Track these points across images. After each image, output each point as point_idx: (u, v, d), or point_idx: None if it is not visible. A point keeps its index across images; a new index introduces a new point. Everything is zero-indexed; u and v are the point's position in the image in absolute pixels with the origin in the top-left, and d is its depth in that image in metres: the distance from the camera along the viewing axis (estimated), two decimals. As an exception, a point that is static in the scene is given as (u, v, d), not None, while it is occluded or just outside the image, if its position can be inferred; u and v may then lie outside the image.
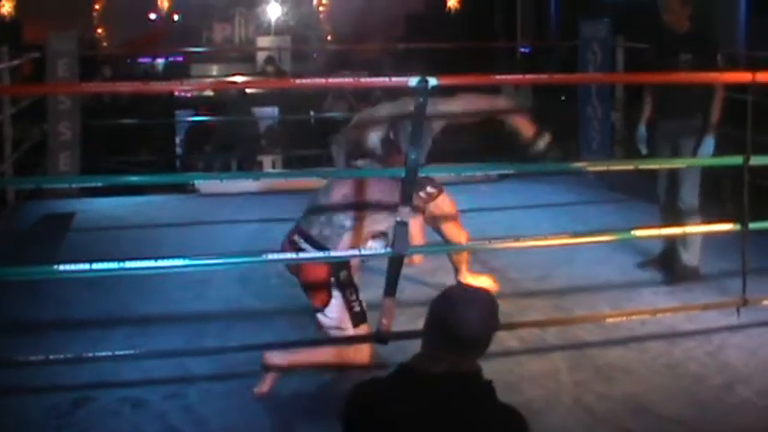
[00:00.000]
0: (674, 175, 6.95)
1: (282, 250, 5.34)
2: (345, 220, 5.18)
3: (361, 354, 5.17)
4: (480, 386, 2.88)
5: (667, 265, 7.20)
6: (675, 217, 6.98)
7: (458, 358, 2.86)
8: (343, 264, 5.11)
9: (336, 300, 5.17)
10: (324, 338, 5.33)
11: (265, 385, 5.18)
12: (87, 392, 5.19)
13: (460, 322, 2.86)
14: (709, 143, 6.68)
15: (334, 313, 5.18)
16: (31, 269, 5.15)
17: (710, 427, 5.02)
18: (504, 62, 14.52)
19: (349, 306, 5.15)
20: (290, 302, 6.62)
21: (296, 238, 5.34)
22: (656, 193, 7.26)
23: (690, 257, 7.04)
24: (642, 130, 7.27)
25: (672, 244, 7.13)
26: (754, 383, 5.45)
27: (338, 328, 5.18)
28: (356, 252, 5.05)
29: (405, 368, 2.91)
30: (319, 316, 5.24)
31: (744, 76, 5.46)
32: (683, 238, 6.98)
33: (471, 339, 2.88)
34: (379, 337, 5.03)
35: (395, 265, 4.94)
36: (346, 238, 5.17)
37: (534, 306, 6.52)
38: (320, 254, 5.08)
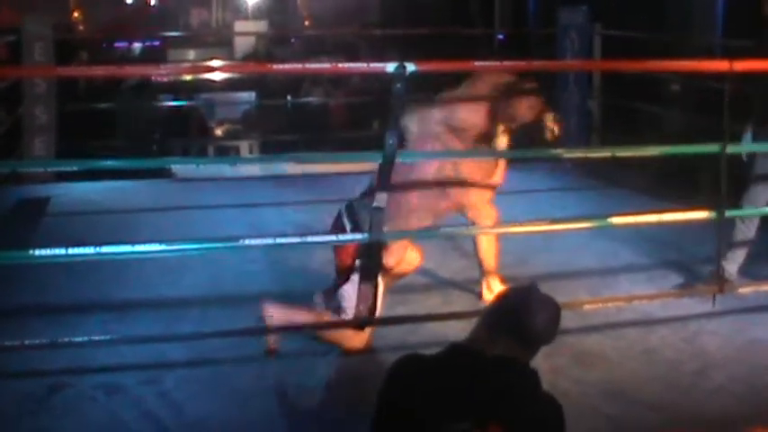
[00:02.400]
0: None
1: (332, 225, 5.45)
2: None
3: (357, 338, 5.19)
4: (526, 374, 2.95)
5: None
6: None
7: (513, 348, 2.93)
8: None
9: (351, 285, 5.20)
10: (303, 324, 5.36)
11: (272, 343, 5.27)
12: (63, 378, 5.15)
13: (530, 316, 2.96)
14: None
15: (344, 295, 5.25)
16: (6, 254, 5.12)
17: (686, 412, 5.03)
18: (482, 48, 14.51)
19: (360, 298, 5.16)
20: (268, 288, 6.64)
21: (343, 213, 5.46)
22: (637, 180, 7.22)
23: (730, 267, 6.58)
24: (748, 137, 6.66)
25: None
26: (729, 369, 5.48)
27: (340, 309, 5.21)
28: (332, 237, 5.05)
29: (457, 347, 2.98)
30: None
31: (721, 65, 5.48)
32: (728, 248, 6.57)
33: (533, 336, 2.99)
34: (356, 323, 5.03)
35: (372, 251, 4.95)
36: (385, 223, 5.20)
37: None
38: (297, 239, 5.08)
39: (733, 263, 6.53)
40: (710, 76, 6.80)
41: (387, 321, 5.27)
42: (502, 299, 3.11)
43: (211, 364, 5.37)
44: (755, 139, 6.52)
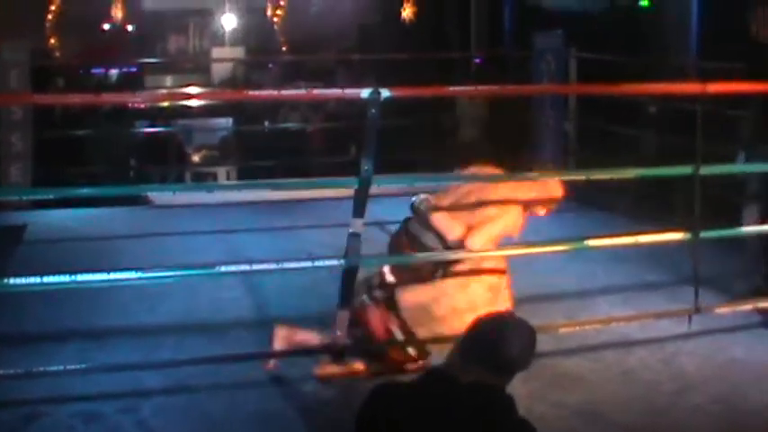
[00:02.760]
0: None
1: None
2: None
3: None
4: (501, 400, 2.97)
5: None
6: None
7: (487, 375, 2.93)
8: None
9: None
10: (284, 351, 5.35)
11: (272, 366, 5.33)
12: (39, 407, 5.11)
13: (504, 344, 2.96)
14: None
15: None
16: (-19, 283, 5.09)
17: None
18: (459, 73, 14.57)
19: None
20: (244, 314, 6.63)
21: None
22: (614, 202, 7.23)
23: None
24: (742, 157, 6.83)
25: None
26: (707, 390, 5.50)
27: None
28: (308, 263, 5.05)
29: (432, 373, 2.98)
30: None
31: (694, 87, 5.52)
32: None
33: (507, 362, 3.01)
34: (334, 350, 5.02)
35: (347, 276, 4.95)
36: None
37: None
38: (274, 265, 5.07)
39: None
40: (688, 99, 6.81)
41: (365, 346, 5.25)
42: (475, 327, 3.10)
43: (187, 391, 5.34)
44: (749, 161, 6.59)
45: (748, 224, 6.57)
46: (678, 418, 5.19)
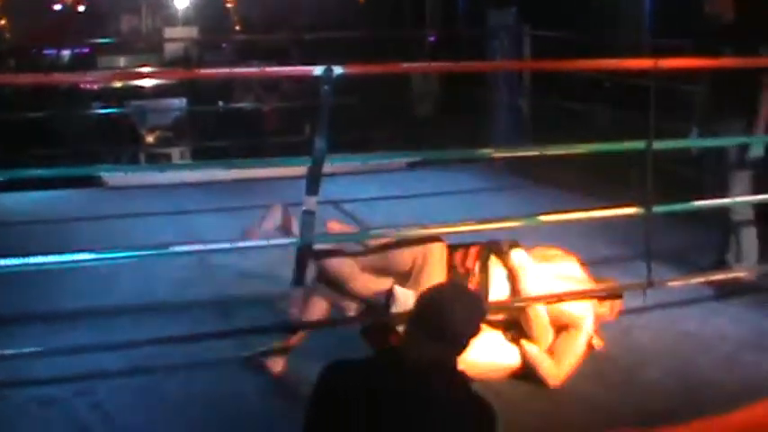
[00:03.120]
0: (722, 181, 6.77)
1: None
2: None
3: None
4: (455, 376, 2.97)
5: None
6: (726, 229, 6.93)
7: (438, 349, 2.93)
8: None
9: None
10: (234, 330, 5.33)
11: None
12: (-6, 392, 5.09)
13: (445, 314, 2.95)
14: (757, 145, 6.60)
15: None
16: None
17: (620, 407, 5.09)
18: (413, 51, 14.56)
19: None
20: (200, 295, 6.61)
21: None
22: (568, 178, 7.25)
23: (743, 267, 6.81)
24: (694, 133, 6.98)
25: (722, 257, 6.96)
26: (662, 364, 5.56)
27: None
28: (263, 242, 5.02)
29: (384, 352, 2.97)
30: None
31: (646, 63, 5.54)
32: (736, 248, 6.83)
33: (453, 334, 2.98)
34: (287, 327, 5.01)
35: (301, 255, 4.93)
36: None
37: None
38: (227, 245, 5.04)
39: (746, 255, 6.76)
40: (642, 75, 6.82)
41: (316, 325, 5.24)
42: (419, 300, 3.10)
43: (144, 372, 5.32)
44: (702, 136, 6.65)
45: (735, 195, 6.65)
46: (634, 392, 5.23)
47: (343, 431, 2.86)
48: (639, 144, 5.54)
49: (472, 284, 5.21)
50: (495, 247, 5.42)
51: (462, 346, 3.03)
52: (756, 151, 6.60)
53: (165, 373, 5.28)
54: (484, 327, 5.24)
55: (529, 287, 5.29)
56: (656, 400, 5.15)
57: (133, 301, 6.52)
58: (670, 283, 6.06)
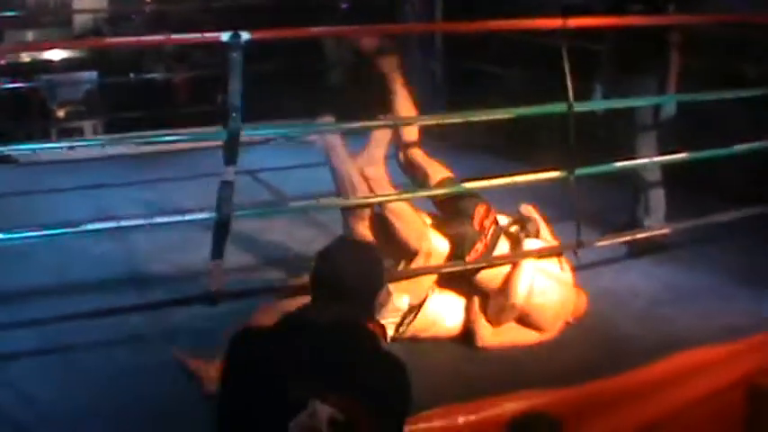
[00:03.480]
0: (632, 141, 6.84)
1: None
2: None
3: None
4: (363, 334, 2.92)
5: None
6: (637, 189, 7.03)
7: (338, 309, 2.88)
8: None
9: None
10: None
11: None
12: None
13: (339, 273, 2.91)
14: (669, 105, 6.65)
15: None
16: None
17: (540, 365, 5.18)
18: (325, 18, 14.48)
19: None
20: (117, 271, 6.55)
21: None
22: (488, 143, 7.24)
23: (654, 225, 6.90)
24: (597, 94, 7.01)
25: (634, 215, 7.03)
26: (581, 322, 5.67)
27: None
28: (178, 217, 4.98)
29: (289, 316, 2.93)
30: None
31: (555, 23, 5.57)
32: (646, 206, 6.92)
33: (348, 288, 2.93)
34: (209, 298, 4.99)
35: (219, 228, 4.91)
36: None
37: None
38: (142, 221, 5.00)
39: (656, 212, 6.87)
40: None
41: (237, 295, 5.23)
42: (316, 260, 3.06)
43: (60, 350, 5.27)
44: (607, 96, 6.68)
45: (644, 155, 6.72)
46: (549, 351, 5.32)
47: (252, 400, 2.84)
48: (561, 107, 5.57)
49: (480, 244, 5.30)
50: (515, 226, 5.59)
51: (365, 303, 2.99)
52: (669, 111, 6.68)
53: (82, 349, 5.24)
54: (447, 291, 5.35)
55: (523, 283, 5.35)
56: (571, 358, 5.22)
57: (48, 279, 6.43)
58: (598, 243, 6.13)
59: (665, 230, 6.79)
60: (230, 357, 2.96)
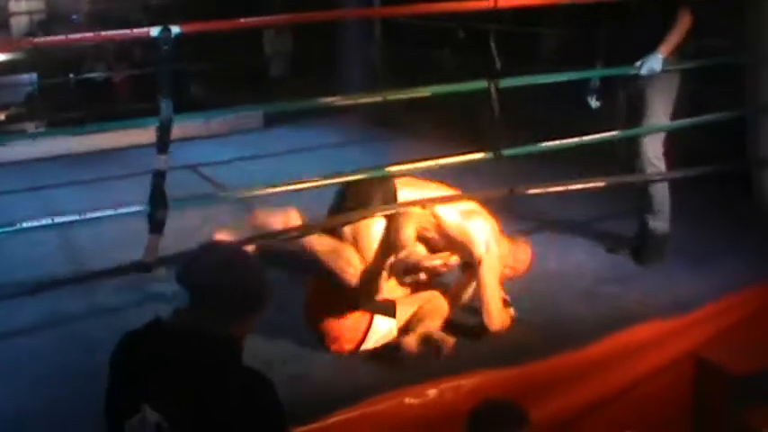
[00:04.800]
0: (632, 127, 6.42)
1: None
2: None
3: None
4: (218, 346, 2.76)
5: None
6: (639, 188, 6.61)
7: (207, 315, 2.77)
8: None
9: None
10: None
11: None
12: None
13: (188, 270, 2.80)
14: (654, 59, 6.07)
15: None
16: None
17: (479, 347, 5.20)
18: (264, 10, 14.44)
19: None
20: (59, 268, 6.48)
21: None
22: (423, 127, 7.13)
23: (658, 224, 6.54)
24: (596, 80, 6.57)
25: (643, 220, 6.64)
26: (524, 302, 5.65)
27: None
28: (110, 211, 4.92)
29: (154, 320, 2.86)
30: None
31: (485, 4, 5.58)
32: (649, 204, 6.50)
33: (200, 289, 2.80)
34: (143, 266, 4.95)
35: (154, 219, 4.87)
36: None
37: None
38: (76, 216, 4.94)
39: (660, 212, 6.51)
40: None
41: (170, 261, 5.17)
42: (182, 269, 2.92)
43: (2, 351, 5.22)
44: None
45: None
46: (501, 331, 5.28)
47: (123, 401, 2.80)
48: (482, 84, 5.56)
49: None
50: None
51: (231, 312, 2.81)
52: (650, 67, 6.10)
53: (26, 351, 5.20)
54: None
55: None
56: (516, 338, 5.22)
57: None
58: (529, 191, 6.01)
59: (665, 230, 6.54)
60: (112, 355, 2.92)
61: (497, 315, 5.23)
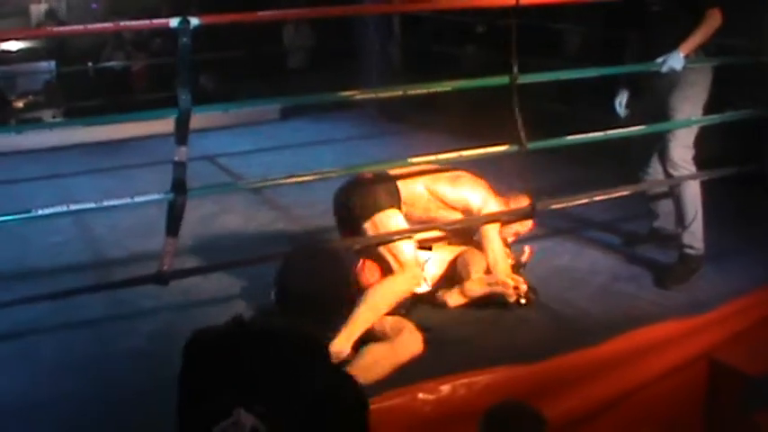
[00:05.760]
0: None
1: None
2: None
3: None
4: (308, 347, 2.80)
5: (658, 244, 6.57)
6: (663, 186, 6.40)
7: (297, 317, 2.81)
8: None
9: None
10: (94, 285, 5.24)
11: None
12: None
13: (287, 278, 2.84)
14: (676, 58, 5.88)
15: None
16: None
17: (493, 344, 5.17)
18: (284, 4, 14.47)
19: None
20: (75, 258, 6.50)
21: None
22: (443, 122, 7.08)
23: (692, 239, 6.13)
24: (623, 89, 6.38)
25: (660, 221, 6.56)
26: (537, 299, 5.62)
27: None
28: (128, 200, 4.92)
29: (238, 318, 2.87)
30: None
31: (508, 1, 5.55)
32: (681, 218, 6.15)
33: (294, 294, 2.83)
34: (160, 278, 4.94)
35: (174, 209, 4.86)
36: None
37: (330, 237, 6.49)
38: (93, 204, 4.94)
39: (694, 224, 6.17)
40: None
41: (188, 273, 5.19)
42: (281, 272, 2.96)
43: (18, 338, 5.23)
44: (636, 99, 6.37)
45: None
46: (507, 329, 5.29)
47: (207, 403, 2.79)
48: (503, 79, 5.55)
49: None
50: None
51: (325, 317, 2.91)
52: (670, 65, 5.92)
53: (41, 337, 5.19)
54: None
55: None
56: (530, 336, 5.22)
57: (6, 268, 6.37)
58: (552, 206, 6.02)
59: (700, 251, 6.18)
60: (184, 356, 2.91)
61: (503, 265, 5.46)
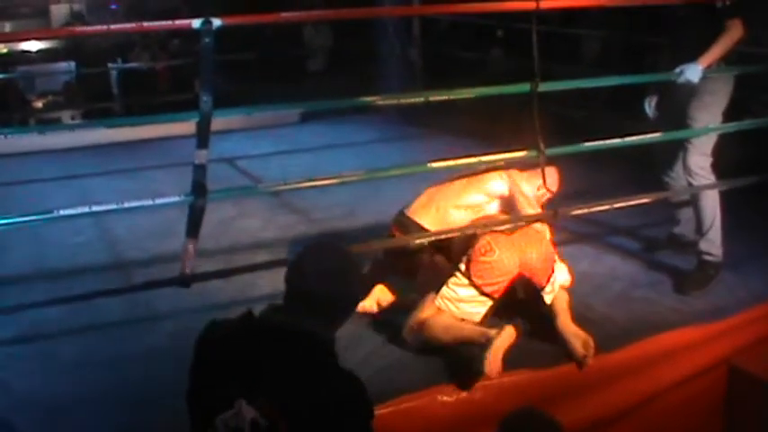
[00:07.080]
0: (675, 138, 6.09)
1: None
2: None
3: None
4: (314, 347, 2.82)
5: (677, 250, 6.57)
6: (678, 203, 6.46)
7: (306, 315, 2.80)
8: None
9: None
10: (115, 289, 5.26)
11: None
12: None
13: (302, 274, 2.83)
14: (693, 70, 5.78)
15: None
16: None
17: (513, 348, 5.13)
18: (305, 4, 14.49)
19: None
20: (94, 259, 6.51)
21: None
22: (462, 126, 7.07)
23: (709, 246, 6.11)
24: (653, 90, 6.34)
25: (680, 228, 6.55)
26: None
27: None
28: (149, 202, 4.92)
29: (248, 313, 2.88)
30: None
31: (528, 5, 5.53)
32: (699, 226, 6.12)
33: (314, 299, 2.82)
34: (182, 280, 4.94)
35: (194, 211, 4.86)
36: None
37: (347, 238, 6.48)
38: (113, 206, 4.94)
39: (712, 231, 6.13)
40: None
41: (209, 276, 5.18)
42: (288, 269, 2.95)
43: (38, 339, 5.24)
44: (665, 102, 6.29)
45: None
46: (532, 333, 5.24)
47: (213, 394, 2.81)
48: (524, 86, 5.53)
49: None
50: None
51: (330, 314, 2.86)
52: (687, 77, 5.83)
53: (60, 338, 5.20)
54: None
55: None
56: (549, 340, 5.19)
57: (25, 268, 6.39)
58: (573, 212, 5.99)
59: (719, 258, 6.14)
60: (197, 347, 2.93)
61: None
